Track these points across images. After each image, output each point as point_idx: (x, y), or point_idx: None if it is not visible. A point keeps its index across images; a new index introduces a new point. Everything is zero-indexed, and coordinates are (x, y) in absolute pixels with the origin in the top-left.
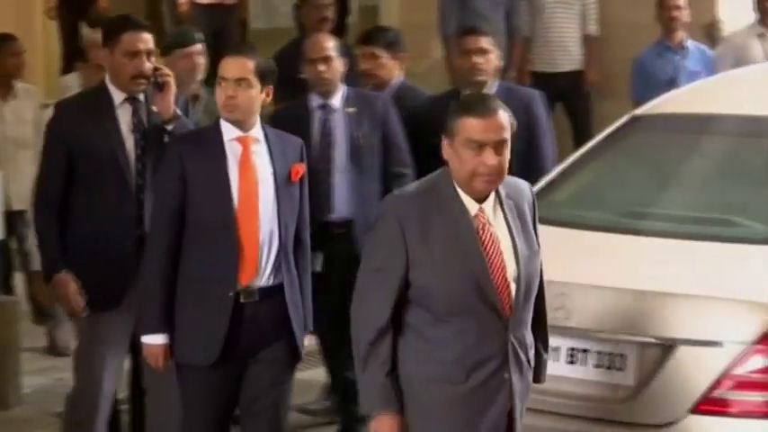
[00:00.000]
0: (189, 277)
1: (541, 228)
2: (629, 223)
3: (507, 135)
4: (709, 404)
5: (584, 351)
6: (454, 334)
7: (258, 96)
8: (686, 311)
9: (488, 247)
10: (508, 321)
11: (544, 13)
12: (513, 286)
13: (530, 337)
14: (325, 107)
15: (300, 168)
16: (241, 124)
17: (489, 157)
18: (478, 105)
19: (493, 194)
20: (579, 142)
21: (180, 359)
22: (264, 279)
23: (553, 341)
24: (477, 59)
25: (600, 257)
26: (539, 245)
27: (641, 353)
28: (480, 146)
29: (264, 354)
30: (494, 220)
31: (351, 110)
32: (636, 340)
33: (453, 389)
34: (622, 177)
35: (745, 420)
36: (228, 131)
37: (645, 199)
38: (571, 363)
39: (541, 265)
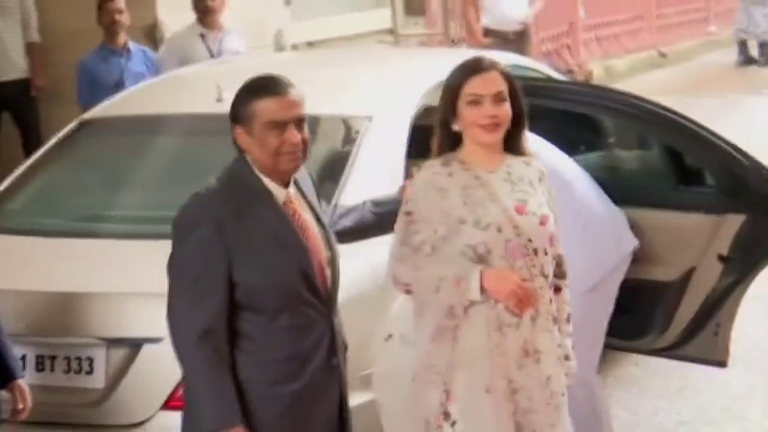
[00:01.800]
0: None
1: None
2: (83, 227)
3: (304, 111)
4: (180, 400)
5: (52, 358)
6: (284, 330)
7: None
8: (148, 310)
9: (304, 233)
10: (329, 306)
11: None
12: (327, 271)
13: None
14: None
15: None
16: None
17: (292, 135)
18: (271, 83)
19: (292, 180)
20: (30, 150)
21: None
22: None
23: (20, 350)
24: None
25: (55, 263)
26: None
27: (108, 355)
28: (282, 125)
29: None
30: (300, 206)
31: None
32: (100, 343)
33: (290, 387)
34: (75, 182)
35: None
36: None
37: (98, 202)
38: (40, 370)
39: None
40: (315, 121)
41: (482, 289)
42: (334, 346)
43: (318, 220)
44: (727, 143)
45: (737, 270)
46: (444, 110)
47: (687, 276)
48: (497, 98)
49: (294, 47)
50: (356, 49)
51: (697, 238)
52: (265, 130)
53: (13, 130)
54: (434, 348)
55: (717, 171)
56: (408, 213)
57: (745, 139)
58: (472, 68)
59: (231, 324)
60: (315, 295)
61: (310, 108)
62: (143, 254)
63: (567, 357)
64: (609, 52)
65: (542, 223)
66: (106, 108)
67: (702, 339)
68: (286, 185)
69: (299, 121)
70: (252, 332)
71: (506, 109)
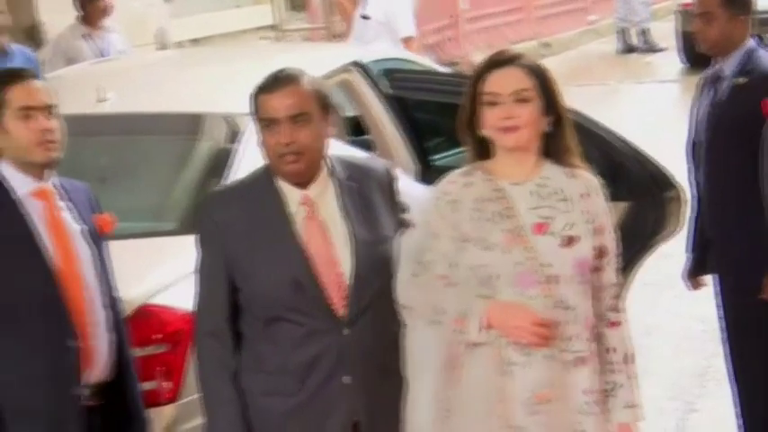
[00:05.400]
0: None
1: None
2: None
3: (305, 108)
4: None
5: None
6: (282, 340)
7: None
8: None
9: (315, 238)
10: (346, 319)
11: None
12: (346, 279)
13: (397, 334)
14: None
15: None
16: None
17: (283, 135)
18: (268, 81)
19: (326, 176)
20: None
21: None
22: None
23: None
24: None
25: None
26: (406, 226)
27: None
28: (274, 123)
29: None
30: (324, 207)
31: None
32: None
33: (286, 401)
34: None
35: None
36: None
37: None
38: None
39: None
40: (198, 120)
41: (488, 325)
42: (345, 364)
43: (350, 225)
44: (608, 131)
45: (621, 258)
46: (466, 111)
47: None
48: (518, 97)
49: (179, 44)
50: (238, 46)
51: None
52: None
53: None
54: (441, 384)
55: (597, 159)
56: (417, 225)
57: (626, 127)
58: (491, 64)
59: (237, 327)
60: (317, 306)
61: (193, 106)
62: None
63: (631, 405)
64: (492, 43)
65: (569, 245)
66: None
67: None
68: (304, 185)
69: (291, 119)
70: (251, 338)
71: (528, 109)
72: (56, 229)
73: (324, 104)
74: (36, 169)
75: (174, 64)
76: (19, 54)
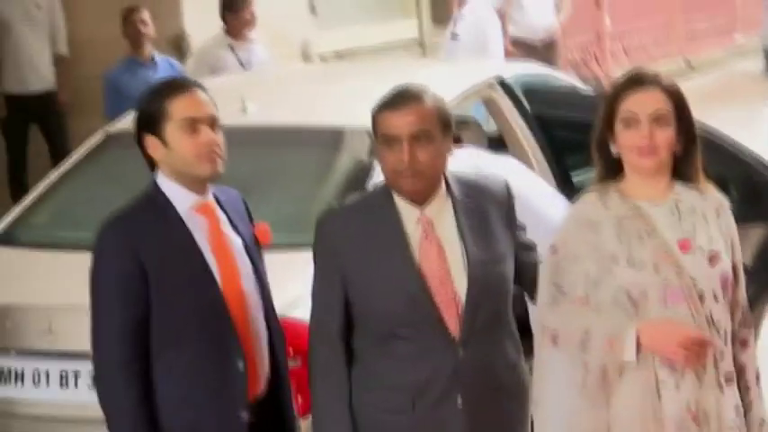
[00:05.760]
0: None
1: (22, 252)
2: None
3: (427, 127)
4: None
5: (76, 373)
6: (395, 357)
7: None
8: None
9: (430, 257)
10: (460, 339)
11: (12, 33)
12: (462, 298)
13: (513, 356)
14: None
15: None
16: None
17: (404, 153)
18: (390, 97)
19: (443, 195)
20: (57, 163)
21: None
22: None
23: (43, 365)
24: None
25: (86, 277)
26: (527, 247)
27: None
28: (394, 141)
29: None
30: (441, 225)
31: None
32: None
33: (399, 419)
34: (101, 195)
35: None
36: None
37: None
38: (65, 386)
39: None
40: (339, 134)
41: (639, 347)
42: (458, 386)
43: (464, 244)
44: (750, 154)
45: (761, 281)
46: (600, 129)
47: None
48: (656, 118)
49: (322, 57)
50: (382, 60)
51: None
52: (381, 144)
53: (42, 142)
54: (583, 411)
55: (739, 182)
56: (555, 248)
57: None
58: (629, 83)
59: (350, 342)
60: (432, 325)
61: (335, 120)
62: None
63: (763, 422)
64: (636, 61)
65: (712, 262)
66: (130, 120)
67: None
68: (422, 203)
69: (413, 138)
70: (364, 353)
71: (667, 132)
72: (219, 245)
73: (445, 123)
74: (198, 183)
75: (316, 77)
76: (163, 64)
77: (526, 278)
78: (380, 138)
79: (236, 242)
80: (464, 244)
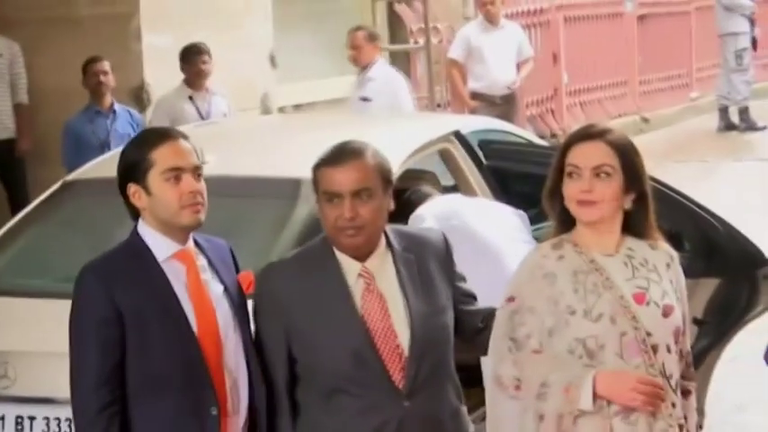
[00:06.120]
0: None
1: None
2: (67, 288)
3: (369, 183)
4: None
5: (32, 418)
6: (341, 412)
7: None
8: None
9: (373, 310)
10: (405, 391)
11: None
12: (405, 351)
13: (455, 403)
14: None
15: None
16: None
17: (346, 209)
18: (332, 153)
19: (383, 249)
20: (16, 211)
21: None
22: None
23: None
24: None
25: (44, 323)
26: (467, 296)
27: None
28: (336, 197)
29: None
30: (382, 279)
31: None
32: None
33: None
34: (59, 243)
35: None
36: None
37: (82, 263)
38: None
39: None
40: (296, 184)
41: (595, 396)
42: None
43: (406, 297)
44: (703, 208)
45: (712, 333)
46: (553, 180)
47: None
48: (598, 172)
49: (281, 110)
50: (339, 112)
51: None
52: (323, 200)
53: (2, 190)
54: None
55: (693, 236)
56: (511, 300)
57: (723, 204)
58: (578, 135)
59: (295, 395)
60: (377, 379)
61: (292, 171)
62: None
63: None
64: (592, 117)
65: (666, 315)
66: (90, 169)
67: None
68: (363, 258)
69: (355, 194)
70: (309, 408)
71: (609, 186)
72: (197, 292)
73: (386, 179)
74: (180, 232)
75: (273, 129)
76: (123, 114)
77: (467, 327)
78: (322, 194)
79: (215, 289)
80: (405, 297)
